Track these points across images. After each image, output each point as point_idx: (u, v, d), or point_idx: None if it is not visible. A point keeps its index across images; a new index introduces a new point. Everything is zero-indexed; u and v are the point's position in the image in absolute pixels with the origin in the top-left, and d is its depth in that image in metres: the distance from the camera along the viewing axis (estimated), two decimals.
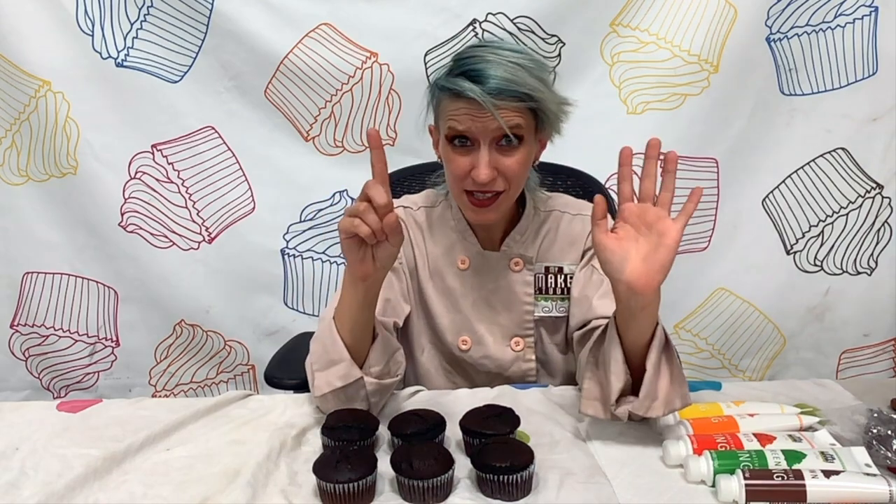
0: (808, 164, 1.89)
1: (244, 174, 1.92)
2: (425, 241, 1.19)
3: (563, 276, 1.16)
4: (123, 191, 1.89)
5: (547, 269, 1.17)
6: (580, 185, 1.41)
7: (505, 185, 1.04)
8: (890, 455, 0.81)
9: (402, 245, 1.01)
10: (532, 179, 1.19)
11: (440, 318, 1.17)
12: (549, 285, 1.17)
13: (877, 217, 1.92)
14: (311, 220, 1.94)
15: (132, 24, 1.81)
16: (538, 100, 1.01)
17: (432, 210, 1.20)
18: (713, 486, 0.80)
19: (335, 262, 1.97)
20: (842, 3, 1.78)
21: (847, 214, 1.92)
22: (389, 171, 1.48)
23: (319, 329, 1.00)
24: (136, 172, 1.90)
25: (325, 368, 0.95)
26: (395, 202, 1.22)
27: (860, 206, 1.91)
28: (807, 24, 1.80)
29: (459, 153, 1.03)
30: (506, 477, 0.78)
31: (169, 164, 1.90)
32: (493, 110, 0.98)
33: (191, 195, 1.92)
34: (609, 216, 0.90)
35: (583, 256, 1.16)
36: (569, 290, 1.16)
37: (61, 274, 1.97)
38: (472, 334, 1.17)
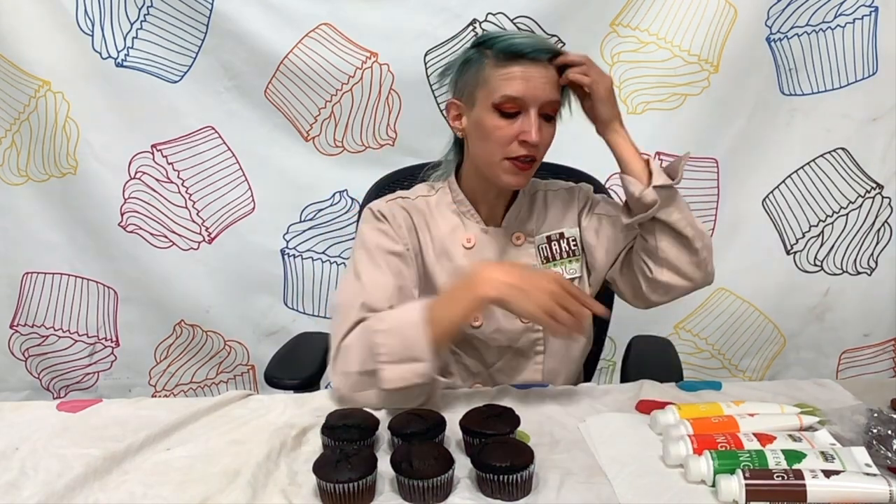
0: (808, 164, 1.89)
1: (244, 174, 1.92)
2: (428, 226, 1.20)
3: (565, 241, 1.22)
4: (123, 191, 1.89)
5: (549, 237, 1.22)
6: None
7: (540, 154, 1.12)
8: (890, 455, 0.81)
9: (405, 231, 1.17)
10: None
11: None
12: (554, 252, 1.22)
13: (877, 217, 1.92)
14: (311, 220, 1.94)
15: (132, 24, 1.81)
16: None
17: (429, 198, 1.23)
18: (713, 486, 0.80)
19: (335, 262, 1.97)
20: (842, 3, 1.78)
21: (847, 214, 1.92)
22: (389, 170, 1.50)
23: (394, 323, 1.01)
24: (136, 172, 1.90)
25: (402, 363, 0.98)
26: (389, 197, 1.24)
27: (860, 206, 1.91)
28: (807, 24, 1.80)
29: (508, 120, 1.09)
30: (506, 477, 0.78)
31: (169, 164, 1.90)
32: (542, 68, 1.08)
33: (191, 195, 1.92)
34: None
35: (579, 218, 1.23)
36: (573, 251, 1.22)
37: (61, 274, 1.97)
38: (482, 310, 1.18)
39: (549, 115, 1.11)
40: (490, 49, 1.10)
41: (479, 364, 1.20)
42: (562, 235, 1.22)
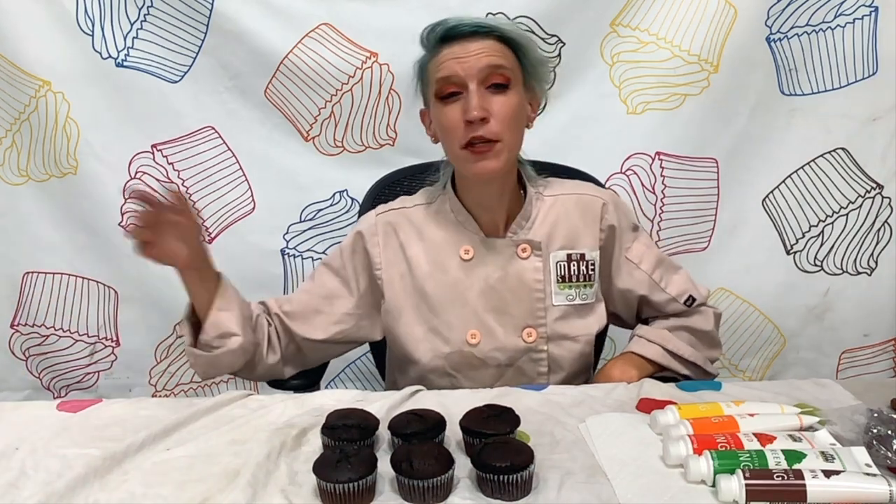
0: (808, 164, 1.89)
1: (244, 174, 1.92)
2: (421, 236, 1.17)
3: (584, 263, 1.16)
4: (124, 191, 1.89)
5: (569, 255, 1.15)
6: None
7: (500, 131, 1.04)
8: (890, 455, 0.81)
9: (380, 250, 1.17)
10: (529, 168, 1.20)
11: (446, 315, 1.15)
12: (571, 273, 1.15)
13: (877, 217, 1.92)
14: (311, 220, 1.94)
15: (132, 24, 1.81)
16: (516, 36, 1.06)
17: (429, 206, 1.20)
18: (713, 486, 0.80)
19: None
20: (842, 3, 1.78)
21: (847, 214, 1.92)
22: (389, 170, 1.51)
23: None
24: (136, 172, 1.90)
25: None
26: (385, 208, 1.22)
27: (860, 206, 1.91)
28: (807, 24, 1.80)
29: (451, 105, 1.05)
30: (506, 477, 0.78)
31: (169, 164, 1.90)
32: (475, 41, 1.03)
33: (191, 195, 1.92)
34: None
35: (601, 239, 1.17)
36: (590, 276, 1.16)
37: (61, 274, 1.97)
38: (481, 327, 1.14)
39: (499, 84, 1.04)
40: (424, 47, 1.11)
41: (476, 386, 1.18)
42: (582, 257, 1.15)
